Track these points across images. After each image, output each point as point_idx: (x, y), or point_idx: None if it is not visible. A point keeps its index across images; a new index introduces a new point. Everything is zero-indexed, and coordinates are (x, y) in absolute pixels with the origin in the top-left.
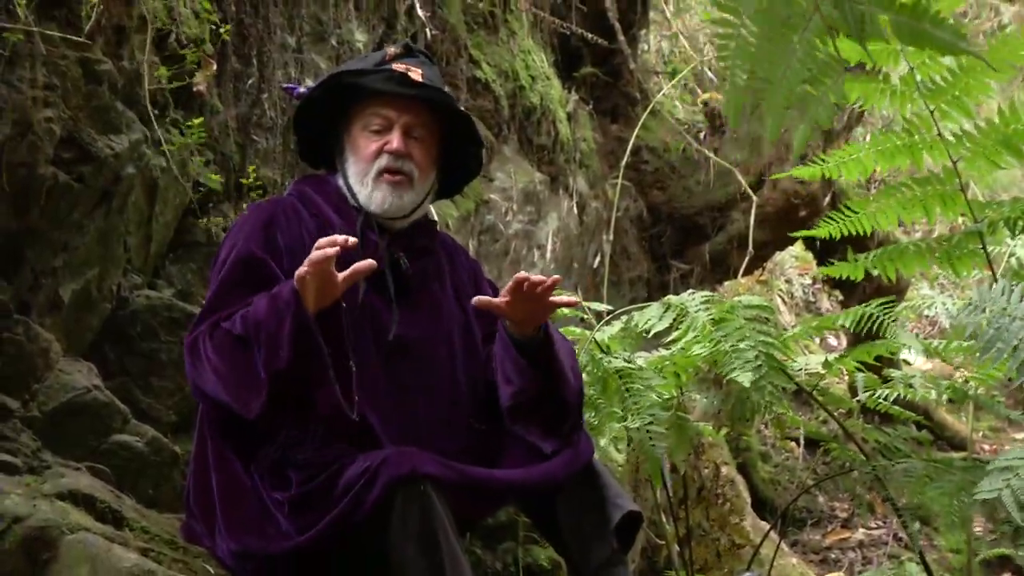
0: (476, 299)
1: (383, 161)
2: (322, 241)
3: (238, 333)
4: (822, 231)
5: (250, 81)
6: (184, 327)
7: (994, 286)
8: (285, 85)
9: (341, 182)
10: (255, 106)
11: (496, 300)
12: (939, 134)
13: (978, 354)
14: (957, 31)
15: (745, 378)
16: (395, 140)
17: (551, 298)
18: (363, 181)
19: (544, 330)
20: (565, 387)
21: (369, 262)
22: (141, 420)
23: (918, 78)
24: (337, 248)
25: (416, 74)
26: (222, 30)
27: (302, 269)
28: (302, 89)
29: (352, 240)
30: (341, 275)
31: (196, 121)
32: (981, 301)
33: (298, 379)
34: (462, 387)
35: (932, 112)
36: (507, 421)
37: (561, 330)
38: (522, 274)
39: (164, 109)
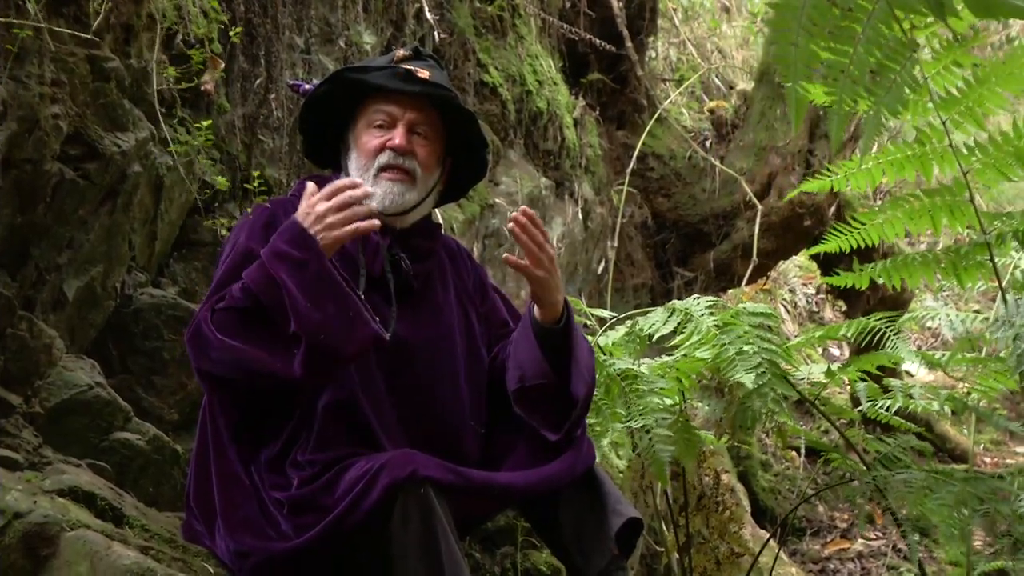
0: (505, 256)
1: (385, 157)
2: (342, 182)
3: (242, 305)
4: (831, 245)
5: (258, 81)
6: (188, 325)
7: (1020, 301)
8: (291, 81)
9: None
10: (262, 106)
11: (521, 262)
12: (951, 145)
13: (993, 370)
14: None
15: (747, 379)
16: (398, 136)
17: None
18: (364, 177)
19: (567, 322)
20: (577, 383)
21: (374, 223)
22: (143, 418)
23: (932, 88)
24: (362, 191)
25: (423, 74)
26: (232, 32)
27: (323, 206)
28: (308, 86)
29: (367, 190)
30: (351, 227)
31: (205, 123)
32: (1008, 316)
33: (328, 324)
34: (464, 389)
35: (944, 123)
36: (512, 401)
37: None
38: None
39: (171, 108)
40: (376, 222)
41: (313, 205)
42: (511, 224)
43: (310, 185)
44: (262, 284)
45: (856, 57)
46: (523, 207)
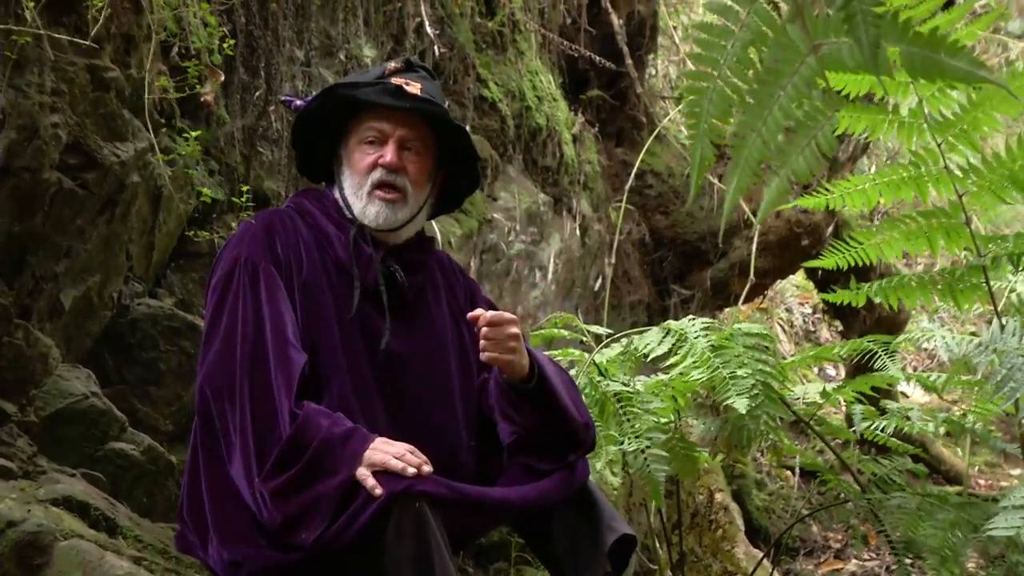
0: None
1: (377, 175)
2: (418, 461)
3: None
4: (828, 261)
5: (257, 93)
6: (184, 336)
7: (1004, 325)
8: (284, 97)
9: (338, 195)
10: (261, 118)
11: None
12: (945, 167)
13: (989, 392)
14: (975, 60)
15: (741, 404)
16: (389, 153)
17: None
18: (358, 194)
19: (538, 375)
20: (569, 423)
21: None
22: (137, 428)
23: (926, 111)
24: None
25: (414, 88)
26: (226, 45)
27: (390, 457)
28: (299, 102)
29: (427, 469)
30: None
31: (194, 134)
32: (991, 340)
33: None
34: (457, 402)
35: (939, 145)
36: (508, 455)
37: (560, 352)
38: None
39: (170, 118)
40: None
41: (385, 455)
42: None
43: (409, 453)
44: (305, 435)
45: (769, 121)
46: (478, 312)
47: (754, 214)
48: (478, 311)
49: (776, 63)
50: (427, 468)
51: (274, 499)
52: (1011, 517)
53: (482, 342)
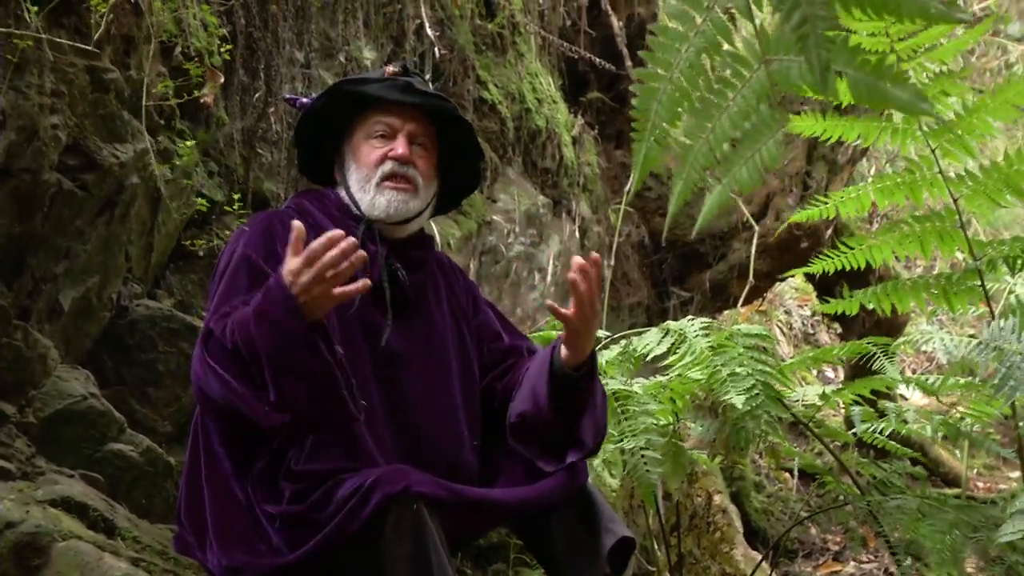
0: (548, 302)
1: (388, 167)
2: (320, 245)
3: (232, 347)
4: (817, 267)
5: (257, 95)
6: (183, 338)
7: (1004, 324)
8: (287, 96)
9: (343, 192)
10: (261, 119)
11: (564, 311)
12: (940, 172)
13: (987, 395)
14: (919, 92)
15: (739, 400)
16: (400, 146)
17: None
18: (365, 187)
19: (589, 370)
20: (587, 429)
21: (366, 282)
22: (136, 430)
23: (920, 117)
24: (340, 251)
25: (419, 86)
26: (223, 49)
27: (307, 277)
28: (305, 100)
29: (352, 242)
30: (337, 290)
31: (189, 143)
32: (991, 339)
33: (306, 395)
34: (457, 401)
35: (934, 151)
36: (507, 435)
37: None
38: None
39: (170, 120)
40: (367, 283)
41: (297, 273)
42: (573, 274)
43: (297, 227)
44: (244, 337)
45: (717, 129)
46: (594, 254)
47: (754, 217)
48: (592, 259)
49: (727, 73)
50: (358, 256)
51: (280, 402)
52: (1019, 522)
53: (582, 287)
